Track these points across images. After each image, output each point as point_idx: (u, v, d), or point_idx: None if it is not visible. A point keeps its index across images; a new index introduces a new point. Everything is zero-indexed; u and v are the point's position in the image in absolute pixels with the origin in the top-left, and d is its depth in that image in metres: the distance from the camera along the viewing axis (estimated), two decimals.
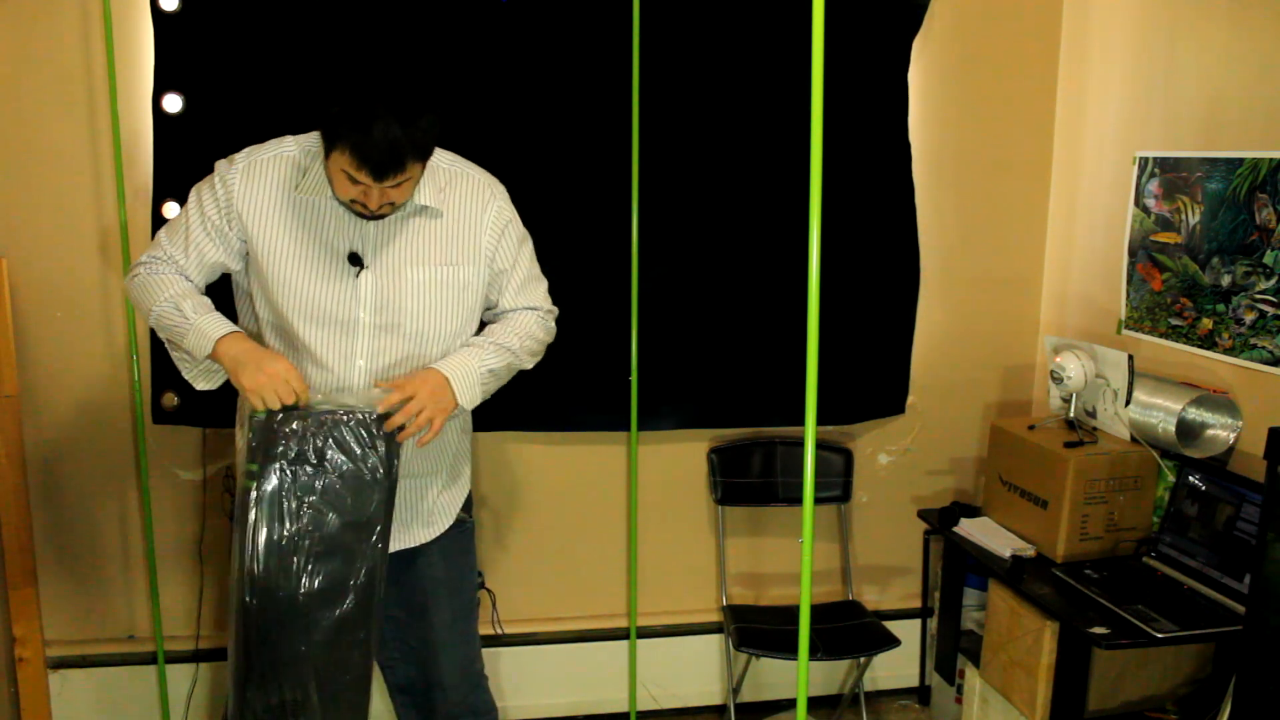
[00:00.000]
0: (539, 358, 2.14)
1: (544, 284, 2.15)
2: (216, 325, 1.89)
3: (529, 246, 2.11)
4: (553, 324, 2.16)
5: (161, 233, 2.00)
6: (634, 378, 2.84)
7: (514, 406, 2.74)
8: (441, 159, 1.99)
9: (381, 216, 1.89)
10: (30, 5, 2.54)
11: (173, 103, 2.55)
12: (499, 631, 2.93)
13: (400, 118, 1.71)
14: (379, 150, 1.71)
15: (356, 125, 1.71)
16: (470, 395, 1.96)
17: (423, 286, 1.95)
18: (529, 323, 2.08)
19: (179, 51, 2.54)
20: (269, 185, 1.93)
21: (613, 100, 2.73)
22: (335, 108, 1.73)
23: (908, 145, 2.94)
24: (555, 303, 2.17)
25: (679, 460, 3.05)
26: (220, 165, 1.96)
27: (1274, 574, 1.85)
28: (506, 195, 2.07)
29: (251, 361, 1.84)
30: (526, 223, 2.10)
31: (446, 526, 2.14)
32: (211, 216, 1.93)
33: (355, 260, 1.92)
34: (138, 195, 2.63)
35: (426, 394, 1.88)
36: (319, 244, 1.92)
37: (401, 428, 1.87)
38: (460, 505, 2.17)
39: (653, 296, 2.83)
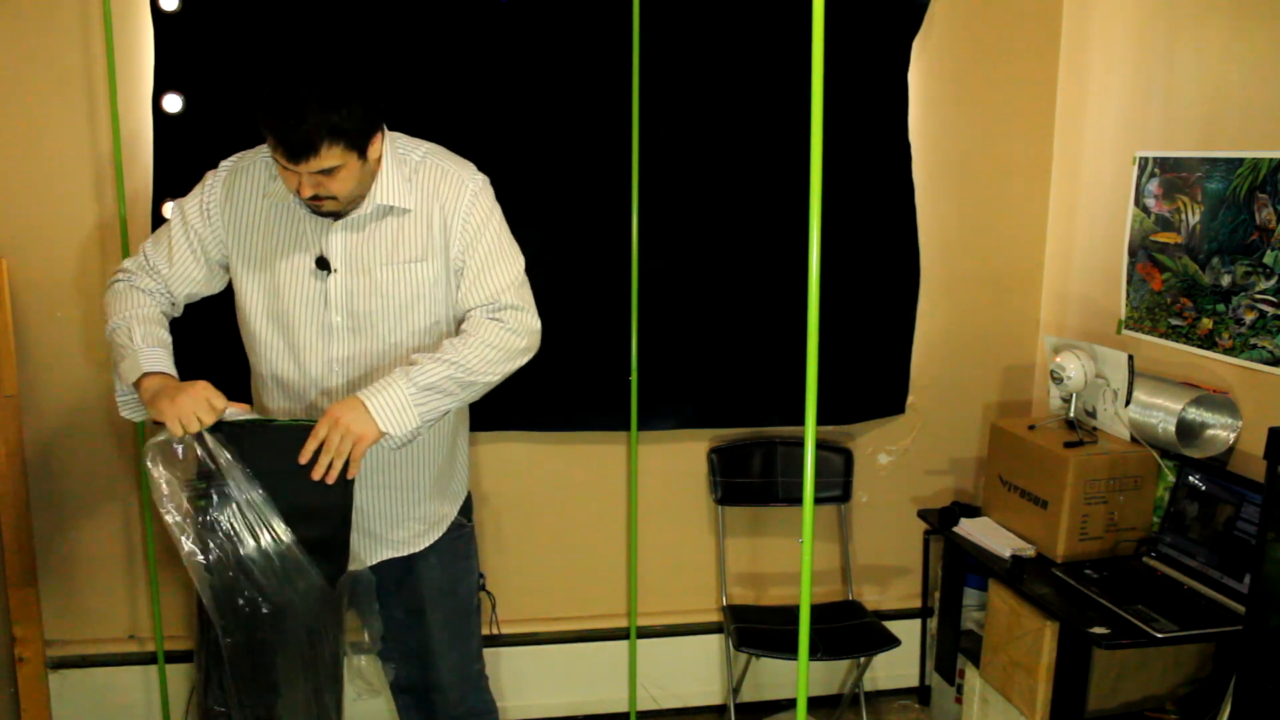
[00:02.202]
0: (514, 363, 1.94)
1: (511, 269, 1.95)
2: (151, 359, 1.83)
3: (492, 230, 1.95)
4: (520, 325, 1.94)
5: (147, 242, 2.00)
6: (634, 378, 2.84)
7: (514, 406, 2.75)
8: (414, 151, 1.95)
9: (335, 214, 1.86)
10: (30, 5, 2.54)
11: (173, 103, 2.55)
12: (496, 631, 2.93)
13: (321, 101, 1.70)
14: (293, 132, 1.70)
15: (275, 108, 1.71)
16: (398, 419, 1.79)
17: (390, 285, 1.92)
18: (485, 331, 1.90)
19: (179, 51, 2.54)
20: (246, 190, 1.93)
21: (613, 100, 2.72)
22: (265, 91, 1.73)
23: (908, 145, 2.94)
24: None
25: (679, 460, 3.05)
26: (208, 175, 1.98)
27: (1274, 574, 1.85)
28: (482, 185, 1.96)
29: (166, 391, 1.77)
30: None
31: (441, 533, 2.14)
32: (195, 224, 1.94)
33: (322, 264, 1.90)
34: (137, 195, 2.63)
35: (332, 425, 1.76)
36: (289, 248, 1.91)
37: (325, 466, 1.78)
38: (457, 510, 2.17)
39: (653, 296, 2.83)
